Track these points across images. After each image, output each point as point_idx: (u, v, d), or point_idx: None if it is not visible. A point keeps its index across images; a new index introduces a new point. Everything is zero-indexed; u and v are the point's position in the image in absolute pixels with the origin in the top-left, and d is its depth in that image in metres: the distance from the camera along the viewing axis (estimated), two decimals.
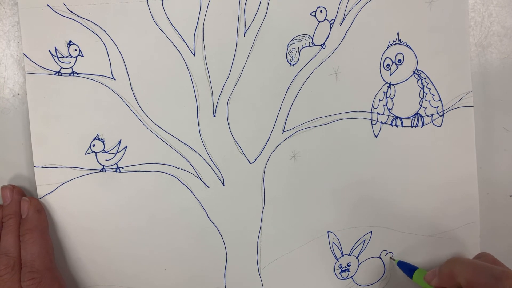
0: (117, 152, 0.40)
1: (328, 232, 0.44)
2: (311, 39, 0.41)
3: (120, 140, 0.40)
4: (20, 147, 0.40)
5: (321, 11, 0.41)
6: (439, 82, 0.44)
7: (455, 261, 0.39)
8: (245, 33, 0.40)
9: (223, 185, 0.42)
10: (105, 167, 0.40)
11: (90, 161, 0.39)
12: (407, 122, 0.44)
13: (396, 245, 0.45)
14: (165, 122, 0.40)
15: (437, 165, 0.45)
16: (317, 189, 0.43)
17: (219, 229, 0.42)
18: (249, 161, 0.42)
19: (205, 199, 0.42)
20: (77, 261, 0.41)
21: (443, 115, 0.44)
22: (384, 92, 0.43)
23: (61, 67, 0.38)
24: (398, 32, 0.42)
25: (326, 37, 0.41)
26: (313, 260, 0.44)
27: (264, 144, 0.42)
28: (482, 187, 0.46)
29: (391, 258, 0.46)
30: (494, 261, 0.40)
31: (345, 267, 0.45)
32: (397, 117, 0.43)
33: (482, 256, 0.42)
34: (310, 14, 0.41)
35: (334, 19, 0.41)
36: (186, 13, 0.39)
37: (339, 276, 0.45)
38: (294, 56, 0.41)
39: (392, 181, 0.44)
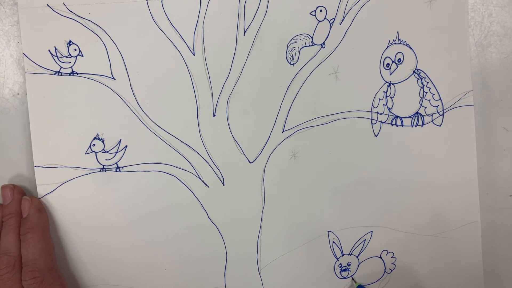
0: (117, 152, 0.40)
1: (328, 231, 0.44)
2: (310, 39, 0.41)
3: (120, 139, 0.40)
4: (20, 147, 0.40)
5: (320, 11, 0.41)
6: (439, 81, 0.44)
7: None
8: (244, 32, 0.40)
9: (223, 185, 0.42)
10: (105, 167, 0.40)
11: (90, 161, 0.40)
12: (407, 122, 0.44)
13: (396, 245, 0.45)
14: (165, 122, 0.40)
15: (437, 164, 0.45)
16: (317, 189, 0.43)
17: (219, 228, 0.42)
18: (249, 161, 0.42)
19: (205, 199, 0.42)
20: (78, 261, 0.41)
21: (443, 114, 0.44)
22: (384, 92, 0.43)
23: (61, 67, 0.38)
24: (398, 32, 0.42)
25: (326, 37, 0.41)
26: (313, 260, 0.44)
27: (264, 143, 0.42)
28: (482, 187, 0.46)
29: (352, 279, 0.45)
30: None
31: (345, 266, 0.45)
32: (397, 117, 0.43)
33: None
34: (310, 13, 0.41)
35: (334, 19, 0.41)
36: (185, 12, 0.39)
37: (339, 275, 0.45)
38: (293, 55, 0.41)
39: (392, 181, 0.44)
